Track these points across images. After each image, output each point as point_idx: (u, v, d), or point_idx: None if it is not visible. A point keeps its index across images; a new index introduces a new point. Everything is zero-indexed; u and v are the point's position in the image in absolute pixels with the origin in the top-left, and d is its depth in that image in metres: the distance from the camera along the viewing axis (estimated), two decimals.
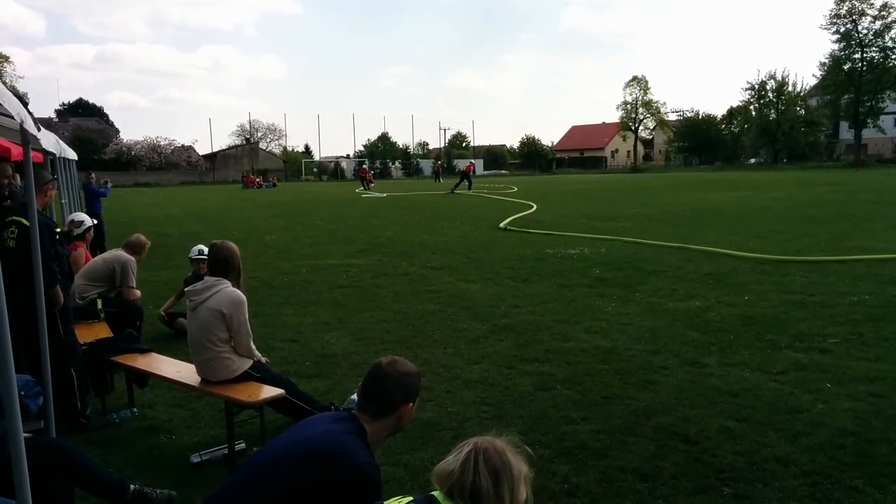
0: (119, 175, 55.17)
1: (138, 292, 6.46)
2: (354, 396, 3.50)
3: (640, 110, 79.71)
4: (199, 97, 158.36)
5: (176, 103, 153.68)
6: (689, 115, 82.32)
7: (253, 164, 68.71)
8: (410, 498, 1.89)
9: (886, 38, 61.43)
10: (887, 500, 3.33)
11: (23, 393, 3.52)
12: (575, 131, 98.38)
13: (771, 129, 70.39)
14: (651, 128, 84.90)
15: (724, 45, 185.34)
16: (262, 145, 79.34)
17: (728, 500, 3.40)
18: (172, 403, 4.99)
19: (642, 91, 79.08)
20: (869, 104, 62.08)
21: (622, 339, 6.29)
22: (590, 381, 5.18)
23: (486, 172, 77.27)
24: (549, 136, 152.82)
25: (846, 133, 70.59)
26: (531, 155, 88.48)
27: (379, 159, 75.42)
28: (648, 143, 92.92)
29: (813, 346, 5.86)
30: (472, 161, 41.14)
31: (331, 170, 75.45)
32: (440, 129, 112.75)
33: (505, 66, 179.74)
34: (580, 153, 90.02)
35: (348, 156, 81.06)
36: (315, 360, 5.93)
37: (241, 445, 4.10)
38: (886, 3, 60.91)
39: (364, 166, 57.44)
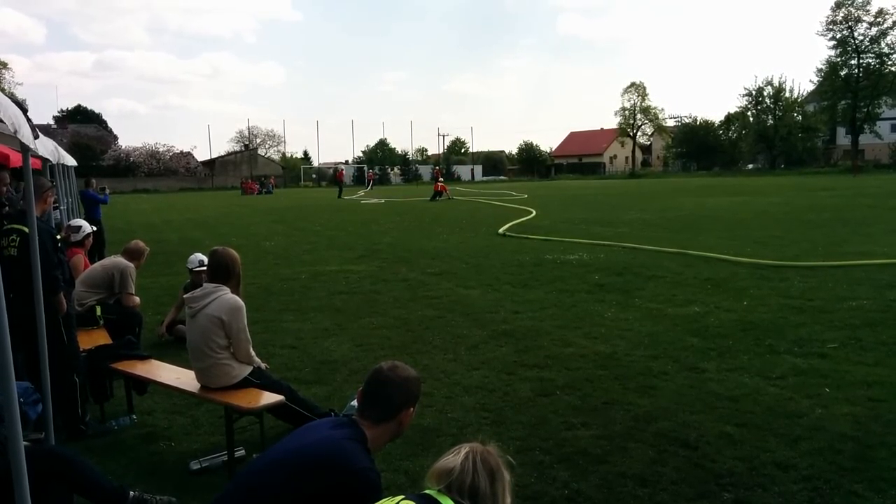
0: (118, 181, 55.21)
1: (137, 299, 6.46)
2: (354, 402, 3.50)
3: (639, 116, 79.78)
4: (199, 104, 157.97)
5: (175, 110, 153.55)
6: (687, 120, 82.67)
7: (252, 170, 68.73)
8: (402, 497, 1.90)
9: (882, 44, 61.71)
10: None
11: (22, 400, 3.52)
12: (573, 137, 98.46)
13: (768, 134, 70.55)
14: (649, 133, 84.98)
15: (721, 51, 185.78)
16: (261, 151, 79.37)
17: None
18: (172, 410, 4.99)
19: (640, 97, 79.19)
20: (865, 110, 62.28)
21: (622, 344, 6.30)
22: (590, 386, 5.18)
23: (484, 178, 77.34)
24: (548, 141, 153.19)
25: (843, 138, 70.81)
26: (530, 161, 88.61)
27: (378, 165, 75.39)
28: (647, 149, 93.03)
29: (812, 350, 5.87)
30: (373, 170, 41.50)
31: (330, 176, 75.43)
32: (439, 134, 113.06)
33: (503, 71, 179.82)
34: (579, 159, 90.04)
35: (347, 161, 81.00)
36: (315, 367, 5.93)
37: (240, 452, 4.09)
38: (882, 9, 61.29)
39: (341, 168, 57.62)
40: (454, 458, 1.94)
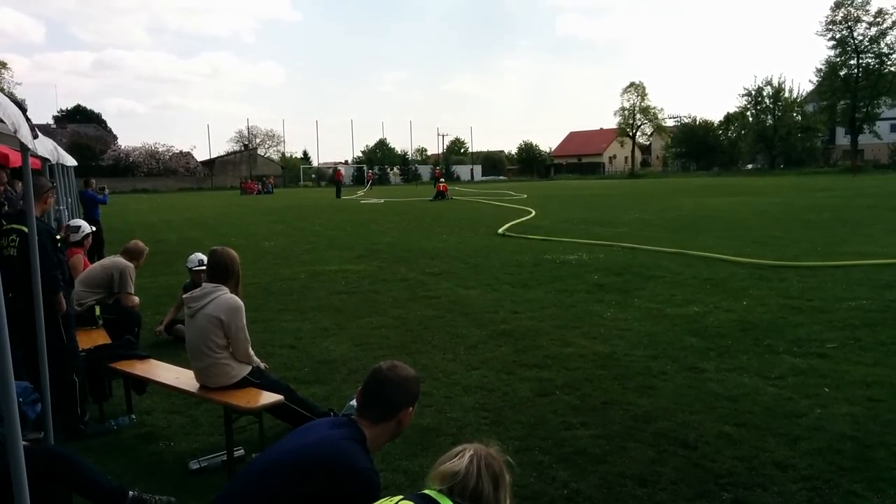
0: (117, 181, 55.21)
1: (136, 299, 6.47)
2: (353, 402, 3.51)
3: (638, 116, 79.75)
4: (198, 103, 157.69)
5: (174, 109, 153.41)
6: (686, 120, 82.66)
7: (251, 170, 68.71)
8: (401, 497, 1.90)
9: (882, 43, 61.76)
10: None
11: (21, 399, 3.52)
12: (573, 137, 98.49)
13: (768, 134, 70.59)
14: (649, 133, 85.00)
15: (721, 51, 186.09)
16: (261, 151, 79.31)
17: None
18: (171, 410, 4.99)
19: (640, 97, 79.15)
20: (865, 110, 62.32)
21: (621, 344, 6.30)
22: (589, 386, 5.18)
23: (484, 178, 77.32)
24: (548, 141, 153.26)
25: (843, 138, 70.85)
26: (529, 161, 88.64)
27: (377, 165, 75.37)
28: (646, 149, 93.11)
29: (811, 350, 5.87)
30: (341, 168, 44.70)
31: (329, 175, 75.35)
32: (438, 134, 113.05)
33: (503, 71, 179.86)
34: (578, 159, 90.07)
35: (347, 161, 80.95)
36: (314, 366, 5.93)
37: (239, 452, 4.10)
38: (882, 9, 61.41)
39: (339, 168, 58.14)
40: (459, 461, 1.93)
